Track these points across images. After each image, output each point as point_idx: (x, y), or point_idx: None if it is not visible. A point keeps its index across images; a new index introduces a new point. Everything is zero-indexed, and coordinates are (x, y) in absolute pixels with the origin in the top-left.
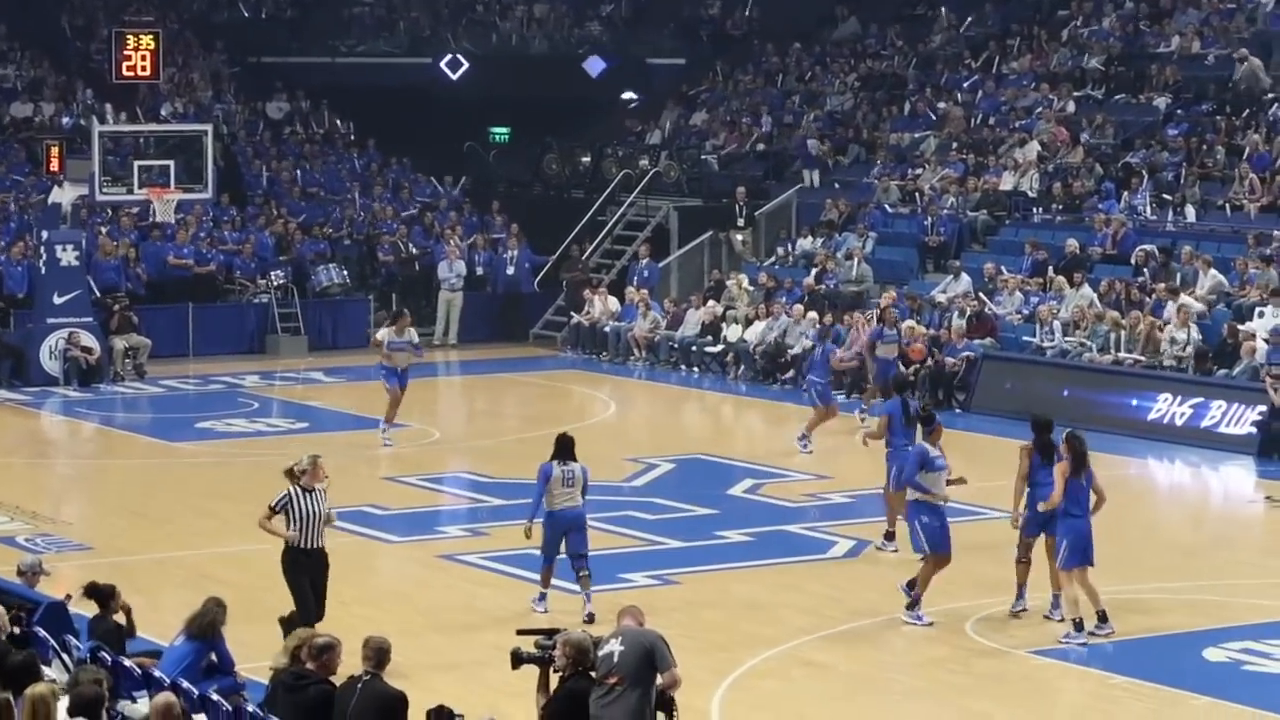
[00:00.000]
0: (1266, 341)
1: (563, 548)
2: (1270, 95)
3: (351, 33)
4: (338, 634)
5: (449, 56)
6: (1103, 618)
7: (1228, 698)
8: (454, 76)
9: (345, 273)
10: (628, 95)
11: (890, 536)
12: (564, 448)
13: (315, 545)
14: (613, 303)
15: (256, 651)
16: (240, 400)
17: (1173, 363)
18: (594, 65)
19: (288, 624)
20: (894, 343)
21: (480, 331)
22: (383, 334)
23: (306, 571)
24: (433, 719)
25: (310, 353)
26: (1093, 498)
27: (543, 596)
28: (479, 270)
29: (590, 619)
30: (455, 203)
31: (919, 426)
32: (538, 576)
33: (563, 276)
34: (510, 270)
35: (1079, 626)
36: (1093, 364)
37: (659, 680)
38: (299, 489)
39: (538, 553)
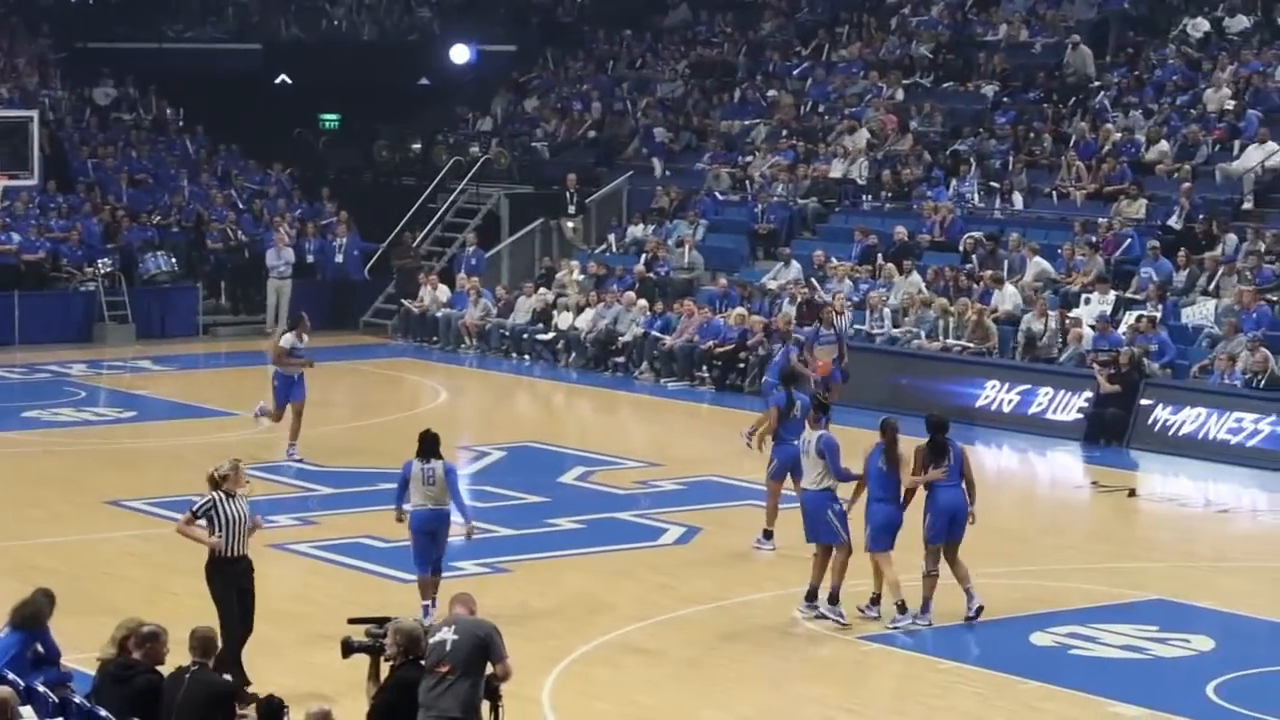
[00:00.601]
0: (1092, 328)
1: None
2: (1096, 84)
3: (179, 18)
4: (168, 625)
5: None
6: (875, 600)
7: (1055, 682)
8: (279, 81)
9: (174, 260)
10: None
11: (768, 535)
12: (427, 445)
13: (239, 553)
14: (443, 290)
15: (83, 642)
16: (67, 389)
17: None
18: (460, 54)
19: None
20: (832, 343)
21: (310, 319)
22: (287, 339)
23: (233, 581)
24: (263, 709)
25: (138, 341)
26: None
27: (426, 609)
28: (309, 258)
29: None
30: (285, 190)
31: (819, 417)
32: (413, 578)
33: (393, 264)
34: (340, 258)
35: (902, 609)
36: (921, 351)
37: (491, 671)
38: (222, 494)
39: (374, 544)
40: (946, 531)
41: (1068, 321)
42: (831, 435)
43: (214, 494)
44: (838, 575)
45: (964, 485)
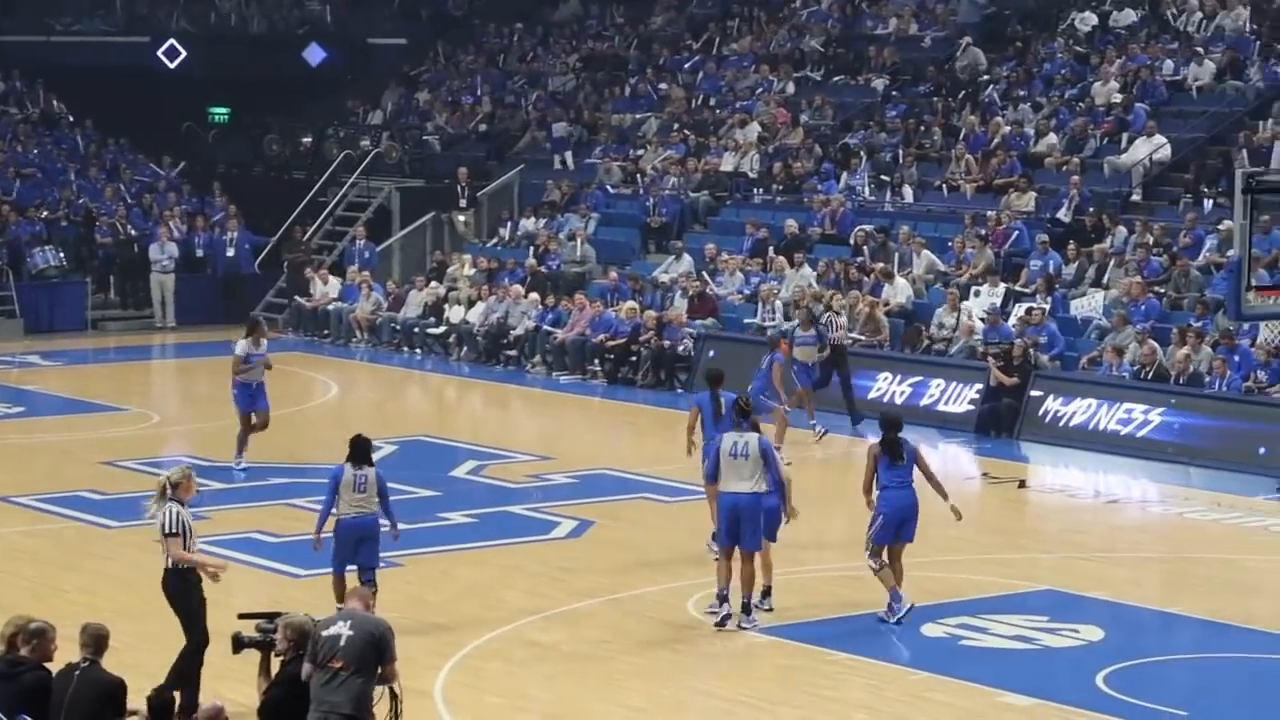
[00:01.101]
0: (982, 320)
1: None
2: (986, 77)
3: (67, 11)
4: (56, 621)
5: (167, 44)
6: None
7: (945, 672)
8: (171, 66)
9: (62, 255)
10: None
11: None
12: (359, 451)
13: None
14: (334, 284)
15: None
16: None
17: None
18: (314, 54)
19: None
20: (810, 345)
21: (200, 314)
22: (241, 346)
23: (196, 588)
24: (153, 705)
25: (26, 336)
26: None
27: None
28: (199, 252)
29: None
30: (174, 184)
31: (741, 421)
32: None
33: (284, 258)
34: (230, 252)
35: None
36: None
37: (384, 673)
38: (177, 504)
39: (265, 539)
40: (895, 534)
41: (958, 314)
42: (768, 439)
43: (170, 504)
44: (751, 585)
45: (914, 484)
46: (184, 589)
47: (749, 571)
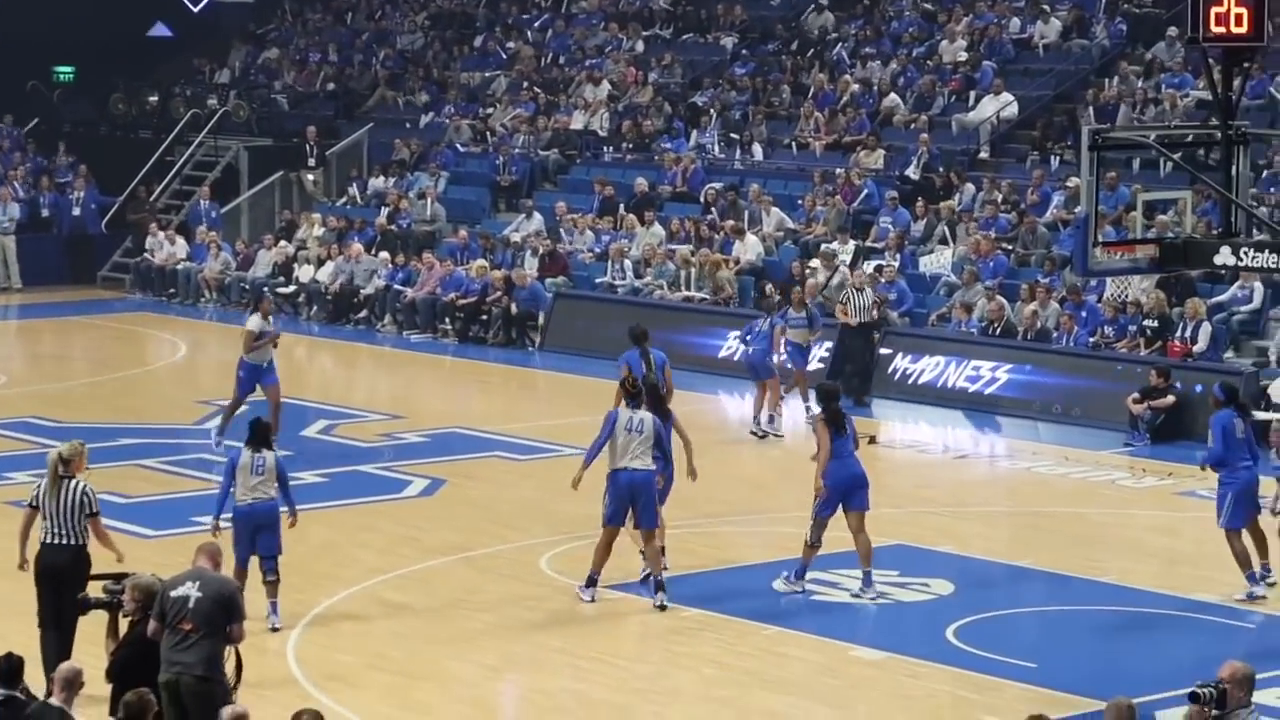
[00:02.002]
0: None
1: None
2: (834, 35)
3: None
4: None
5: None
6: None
7: (796, 627)
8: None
9: None
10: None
11: None
12: (256, 434)
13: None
14: (181, 244)
15: None
16: None
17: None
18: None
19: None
20: (802, 327)
21: (46, 274)
22: (254, 322)
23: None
24: (1, 667)
25: None
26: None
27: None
28: (44, 212)
29: (275, 630)
30: (18, 143)
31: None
32: None
33: (131, 218)
34: (76, 211)
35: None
36: (664, 301)
37: (231, 634)
38: (81, 480)
39: (114, 500)
40: (840, 505)
41: (807, 272)
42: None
43: (77, 482)
44: (659, 560)
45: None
46: (87, 569)
47: (654, 549)
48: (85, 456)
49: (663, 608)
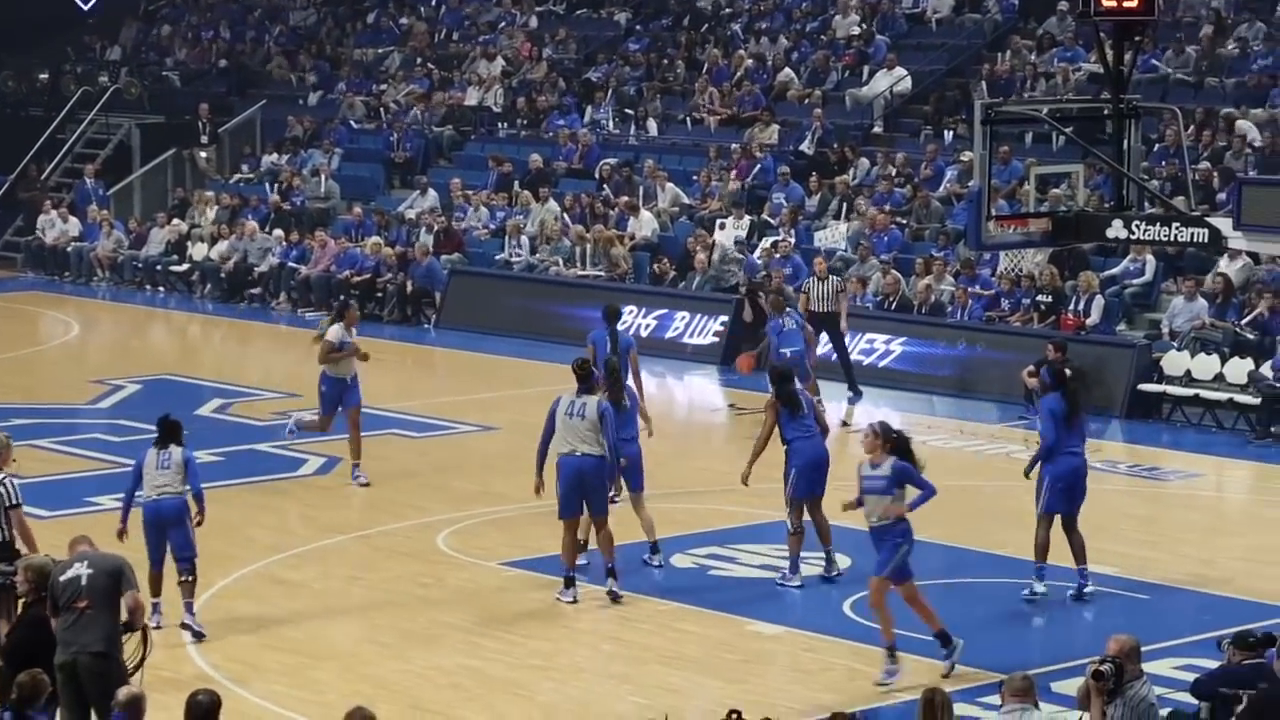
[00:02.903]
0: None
1: None
2: (728, 10)
3: None
4: None
5: None
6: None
7: (694, 603)
8: None
9: None
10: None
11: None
12: (164, 431)
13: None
14: (73, 222)
15: None
16: None
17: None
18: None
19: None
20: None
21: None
22: (335, 332)
23: None
24: None
25: None
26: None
27: (156, 607)
28: None
29: (199, 637)
30: None
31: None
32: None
33: (21, 196)
34: None
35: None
36: (560, 277)
37: (123, 602)
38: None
39: None
40: (812, 485)
41: (700, 247)
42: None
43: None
44: (611, 547)
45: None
46: (9, 559)
47: (606, 535)
48: (10, 448)
49: (616, 596)
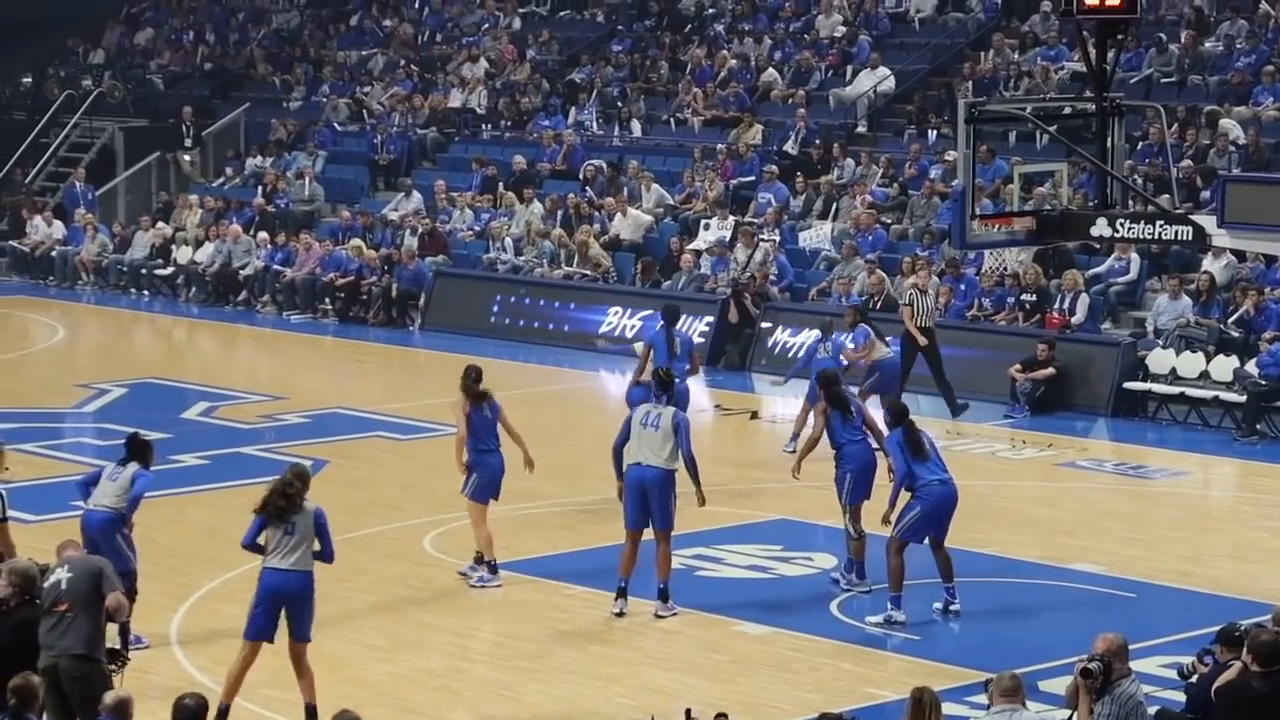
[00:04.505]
0: (709, 253)
1: None
2: (711, 11)
3: None
4: None
5: None
6: (492, 567)
7: (681, 603)
8: None
9: None
10: None
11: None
12: (130, 449)
13: None
14: (58, 226)
15: None
16: None
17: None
18: None
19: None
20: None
21: None
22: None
23: None
24: None
25: None
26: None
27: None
28: None
29: (140, 642)
30: None
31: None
32: None
33: (6, 200)
34: None
35: (493, 569)
36: (545, 279)
37: (106, 603)
38: None
39: None
40: (865, 489)
41: (685, 247)
42: (684, 415)
43: None
44: (668, 567)
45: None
46: None
47: (664, 552)
48: (4, 456)
49: (660, 616)
